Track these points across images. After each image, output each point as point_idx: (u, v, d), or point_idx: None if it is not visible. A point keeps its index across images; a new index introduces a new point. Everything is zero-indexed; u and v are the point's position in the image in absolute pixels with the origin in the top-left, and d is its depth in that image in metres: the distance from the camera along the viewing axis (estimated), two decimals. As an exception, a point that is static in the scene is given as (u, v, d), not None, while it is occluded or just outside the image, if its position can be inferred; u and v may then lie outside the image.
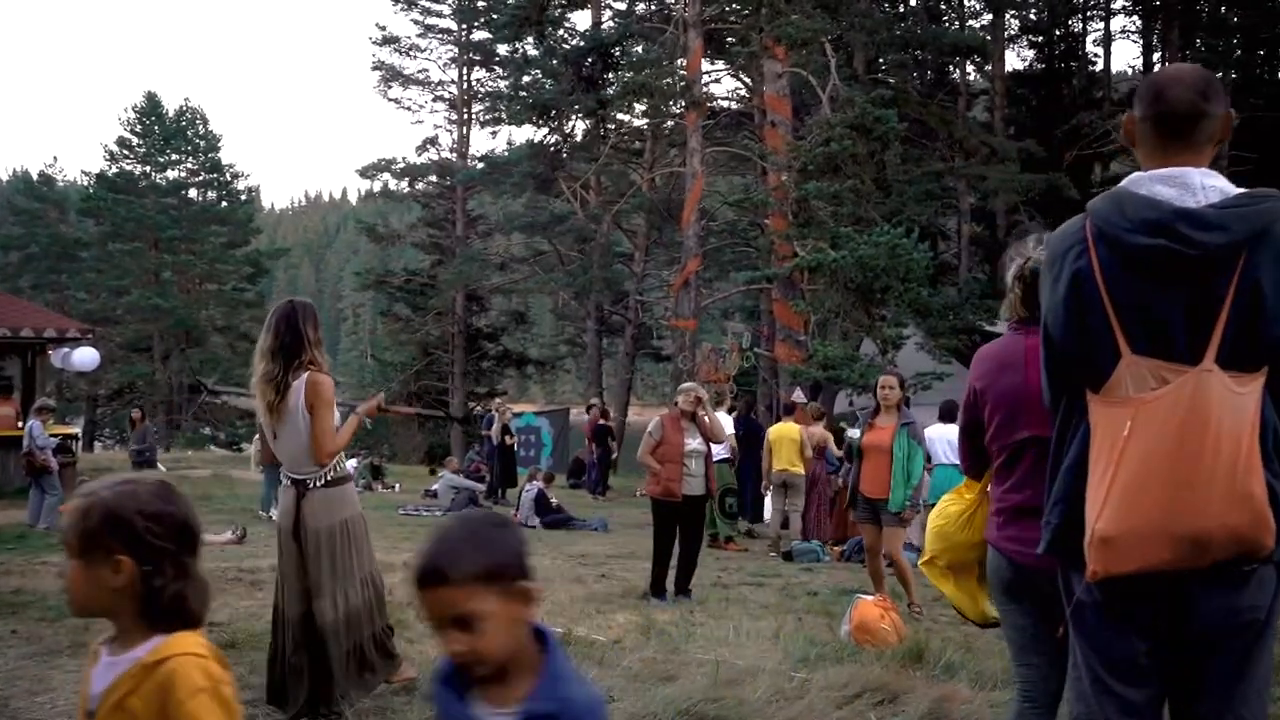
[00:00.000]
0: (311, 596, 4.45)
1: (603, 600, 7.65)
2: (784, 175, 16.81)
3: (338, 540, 4.50)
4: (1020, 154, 24.11)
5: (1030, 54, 30.99)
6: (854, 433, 7.47)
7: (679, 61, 20.29)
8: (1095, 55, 31.09)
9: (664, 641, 6.00)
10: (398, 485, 20.01)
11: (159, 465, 14.52)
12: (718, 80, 28.28)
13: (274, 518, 13.88)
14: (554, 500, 14.98)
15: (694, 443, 7.89)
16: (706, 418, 8.11)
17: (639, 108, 27.92)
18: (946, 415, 12.15)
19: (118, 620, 1.79)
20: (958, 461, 11.41)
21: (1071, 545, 2.19)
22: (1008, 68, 29.13)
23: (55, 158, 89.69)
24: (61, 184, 53.42)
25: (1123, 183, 2.22)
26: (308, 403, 4.39)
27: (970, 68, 29.12)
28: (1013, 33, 29.91)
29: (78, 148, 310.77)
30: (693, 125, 20.13)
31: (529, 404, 59.54)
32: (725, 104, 28.09)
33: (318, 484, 4.52)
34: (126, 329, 42.29)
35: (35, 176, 53.63)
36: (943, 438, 10.95)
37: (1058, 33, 30.07)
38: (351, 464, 20.18)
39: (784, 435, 12.16)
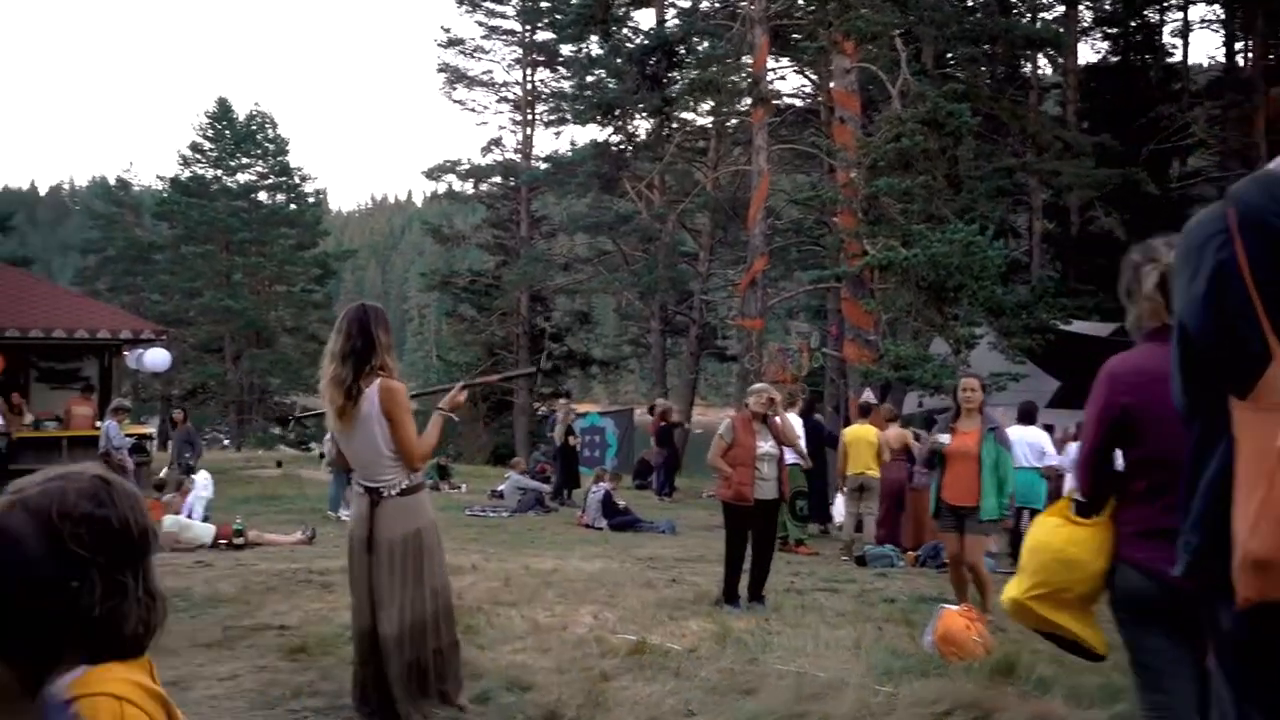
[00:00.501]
0: (375, 607, 4.35)
1: (674, 606, 7.50)
2: (853, 172, 16.50)
3: (409, 550, 4.40)
4: (1095, 149, 23.50)
5: (1104, 46, 30.16)
6: (944, 438, 7.18)
7: (745, 59, 20.07)
8: (1173, 46, 30.19)
9: (741, 651, 5.84)
10: (464, 485, 20.03)
11: (196, 469, 14.72)
12: (783, 77, 28.04)
13: (343, 518, 14.03)
14: (621, 502, 14.86)
15: (766, 445, 7.70)
16: (779, 420, 7.92)
17: (704, 106, 27.78)
18: (1025, 417, 11.85)
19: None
20: (1038, 465, 11.24)
21: (1216, 568, 1.99)
22: (1080, 60, 28.44)
23: (131, 163, 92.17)
24: (137, 189, 54.64)
25: (1269, 165, 2.01)
26: (384, 410, 4.30)
27: (1042, 60, 28.50)
28: (1086, 24, 29.17)
29: (153, 153, 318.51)
30: (759, 123, 19.89)
31: (592, 404, 59.63)
32: (791, 101, 27.75)
33: (392, 492, 4.43)
34: (199, 330, 43.13)
35: (112, 182, 54.88)
36: (1022, 440, 10.65)
37: (1133, 24, 29.22)
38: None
39: (860, 438, 11.92)
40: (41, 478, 1.46)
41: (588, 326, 39.03)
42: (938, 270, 13.55)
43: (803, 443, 12.93)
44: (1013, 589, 3.01)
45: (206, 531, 11.04)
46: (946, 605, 6.37)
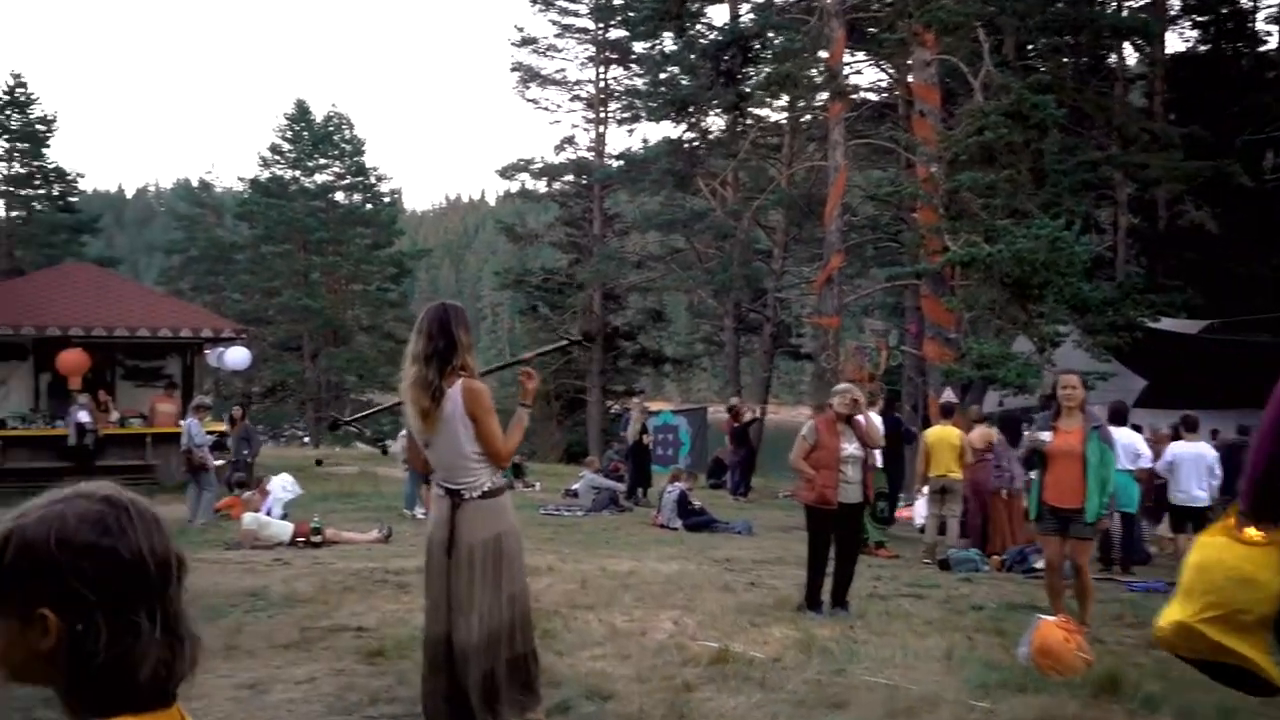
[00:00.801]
0: (452, 613, 4.23)
1: (755, 612, 7.31)
2: (933, 167, 16.11)
3: (490, 555, 4.28)
4: (1183, 140, 22.72)
5: (1194, 34, 29.19)
6: (1045, 435, 6.87)
7: (821, 53, 19.74)
8: (1266, 33, 29.11)
9: (827, 660, 5.64)
10: (538, 484, 20.03)
11: (252, 464, 14.91)
12: (859, 71, 27.49)
13: (418, 516, 14.07)
14: (696, 502, 14.70)
15: (850, 447, 7.48)
16: (864, 420, 7.69)
17: (779, 102, 27.45)
18: (1117, 417, 11.43)
19: (60, 697, 1.25)
20: (1131, 467, 10.84)
21: None
22: (1168, 49, 27.56)
23: (213, 165, 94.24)
24: (219, 190, 55.79)
25: None
26: (469, 411, 4.19)
27: (1128, 50, 27.64)
28: (1174, 12, 28.24)
29: (235, 155, 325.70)
30: (835, 118, 19.55)
31: (665, 402, 59.57)
32: (868, 95, 27.29)
33: (474, 495, 4.31)
34: (278, 328, 43.85)
35: (195, 184, 56.12)
36: (1115, 441, 10.27)
37: (1224, 10, 28.22)
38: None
39: (943, 439, 11.61)
40: (46, 500, 1.26)
41: (660, 324, 38.91)
42: (1022, 267, 13.14)
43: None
44: (1177, 611, 2.74)
45: (284, 529, 11.10)
46: (1041, 615, 6.08)
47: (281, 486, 13.31)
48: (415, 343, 4.26)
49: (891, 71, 24.62)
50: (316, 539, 10.96)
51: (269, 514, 12.23)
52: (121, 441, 17.66)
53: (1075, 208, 15.84)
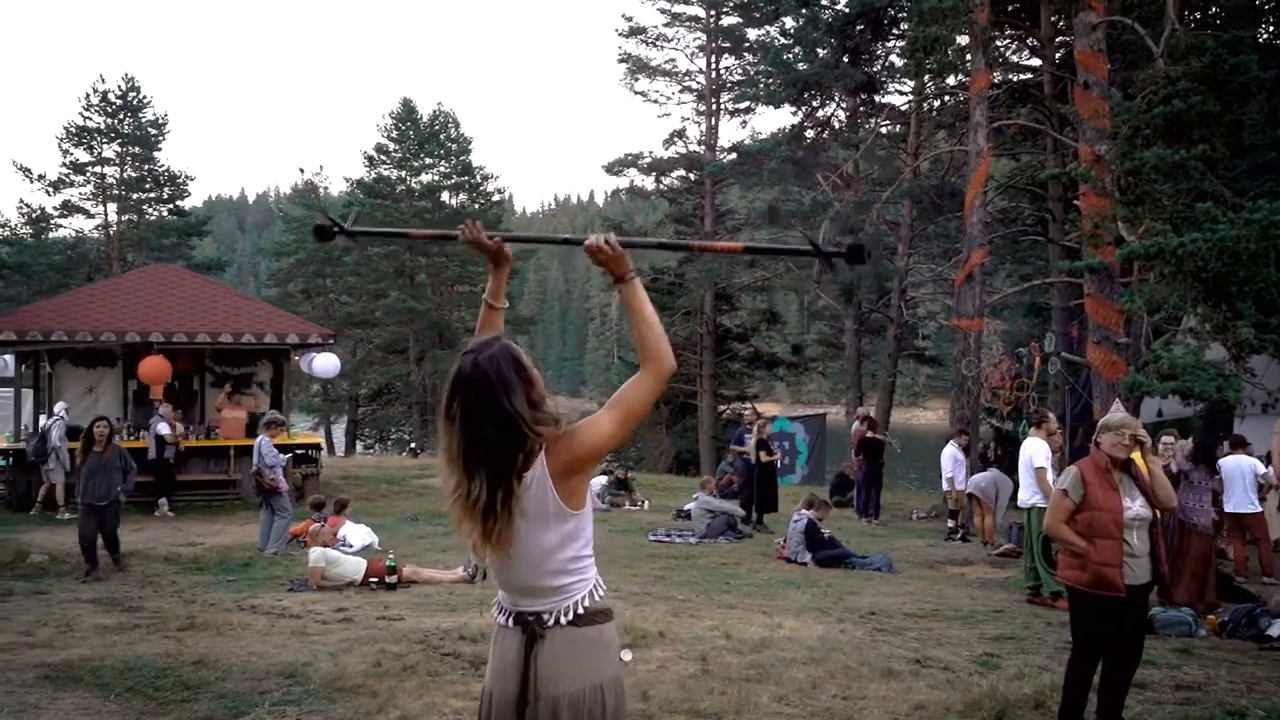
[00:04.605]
0: None
1: (940, 716, 5.46)
2: (1102, 146, 13.91)
3: (587, 718, 2.58)
4: None
5: None
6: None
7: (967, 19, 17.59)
8: None
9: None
10: (646, 502, 18.36)
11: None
12: (1003, 51, 25.08)
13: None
14: (826, 531, 12.83)
15: (1136, 506, 5.30)
16: (1150, 468, 5.51)
17: (906, 86, 25.28)
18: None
19: None
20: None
21: None
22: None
23: (321, 166, 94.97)
24: (328, 191, 55.68)
25: None
26: (560, 473, 2.49)
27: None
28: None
29: (344, 156, 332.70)
30: (978, 95, 17.42)
31: (774, 404, 57.49)
32: (1008, 76, 24.90)
33: (563, 619, 2.60)
34: (384, 331, 43.28)
35: (302, 184, 56.10)
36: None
37: None
38: (597, 482, 18.65)
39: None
40: None
41: (774, 326, 36.98)
42: (1224, 259, 10.95)
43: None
44: None
45: (356, 568, 9.64)
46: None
47: (360, 534, 11.98)
48: (447, 432, 2.53)
49: (1034, 44, 22.22)
50: (391, 579, 9.46)
51: (342, 546, 10.83)
52: (206, 454, 16.59)
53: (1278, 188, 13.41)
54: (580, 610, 2.58)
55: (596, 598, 2.62)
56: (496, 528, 2.44)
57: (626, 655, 6.64)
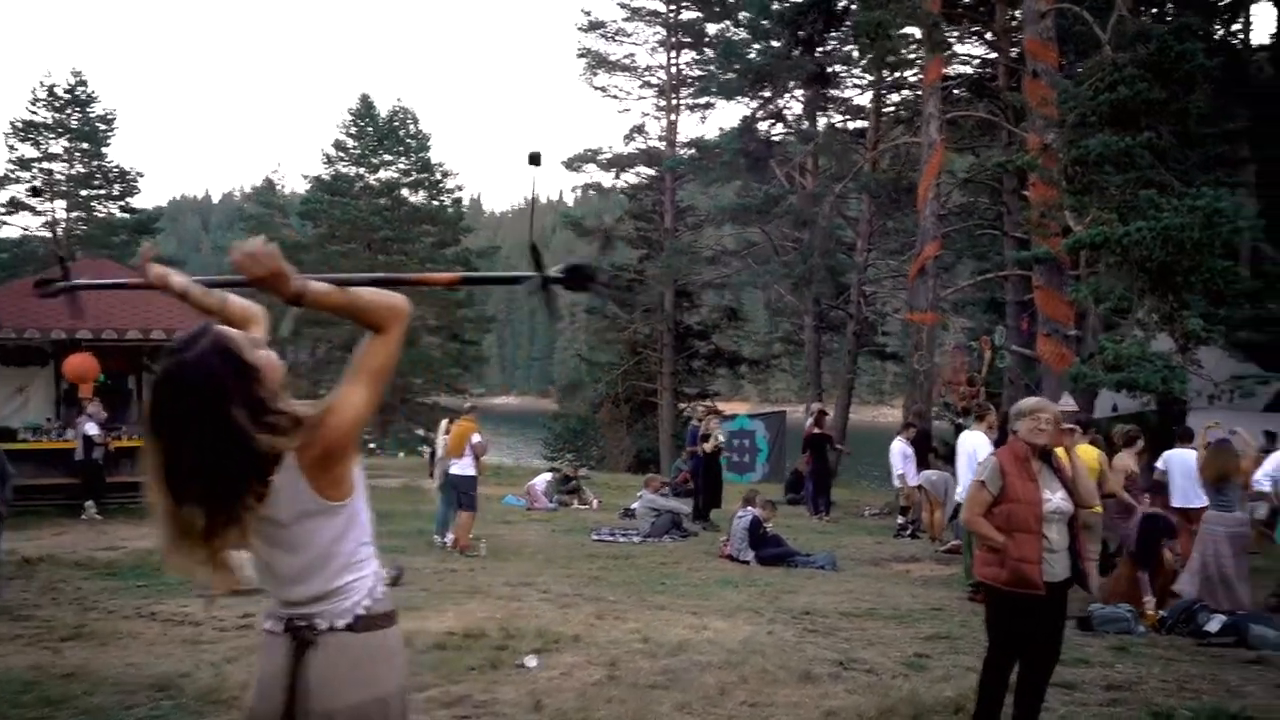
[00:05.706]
0: None
1: (848, 724, 5.16)
2: (1050, 135, 13.70)
3: None
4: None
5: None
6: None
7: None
8: None
9: None
10: (596, 501, 18.00)
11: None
12: (954, 46, 24.89)
13: (445, 545, 12.11)
14: (770, 528, 12.51)
15: (1056, 498, 4.92)
16: (1071, 461, 5.19)
17: (862, 82, 25.05)
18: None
19: None
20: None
21: None
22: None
23: (279, 164, 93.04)
24: (283, 189, 55.03)
25: None
26: (326, 449, 2.14)
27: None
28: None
29: (300, 154, 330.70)
30: (930, 86, 17.18)
31: (742, 403, 57.27)
32: (962, 70, 24.73)
33: (338, 624, 2.28)
34: (341, 329, 42.59)
35: (260, 183, 55.45)
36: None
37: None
38: (542, 480, 18.28)
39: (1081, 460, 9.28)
40: None
41: (736, 323, 36.69)
42: (1168, 248, 10.73)
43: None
44: None
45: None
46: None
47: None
48: (150, 449, 2.15)
49: (990, 37, 22.06)
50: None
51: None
52: (137, 455, 16.05)
53: (1226, 179, 13.22)
54: (359, 612, 2.27)
55: (377, 596, 2.31)
56: (227, 553, 2.10)
57: (531, 661, 6.31)
